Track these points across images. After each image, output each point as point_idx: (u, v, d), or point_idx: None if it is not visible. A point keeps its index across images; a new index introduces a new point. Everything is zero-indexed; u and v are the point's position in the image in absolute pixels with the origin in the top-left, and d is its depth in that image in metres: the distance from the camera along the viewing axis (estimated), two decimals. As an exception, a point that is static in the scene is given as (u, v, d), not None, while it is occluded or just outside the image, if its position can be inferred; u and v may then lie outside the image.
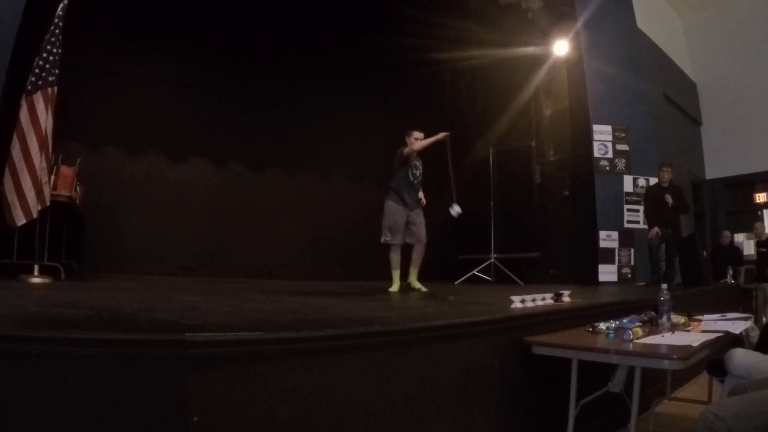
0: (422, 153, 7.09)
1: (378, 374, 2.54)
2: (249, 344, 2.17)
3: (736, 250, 12.35)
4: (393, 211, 6.86)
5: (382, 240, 6.86)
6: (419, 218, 7.03)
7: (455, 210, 7.04)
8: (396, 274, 6.91)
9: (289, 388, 2.23)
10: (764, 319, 9.66)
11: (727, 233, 11.74)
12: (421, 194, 7.23)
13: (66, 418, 1.93)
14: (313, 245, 11.25)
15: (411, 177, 6.96)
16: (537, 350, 3.34)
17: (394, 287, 6.79)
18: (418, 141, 6.90)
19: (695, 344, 3.14)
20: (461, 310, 4.12)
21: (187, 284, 7.10)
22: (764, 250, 10.87)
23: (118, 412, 1.97)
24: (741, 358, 3.42)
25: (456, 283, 9.87)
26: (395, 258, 6.87)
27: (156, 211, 9.83)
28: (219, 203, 10.48)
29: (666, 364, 2.99)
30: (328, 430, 2.34)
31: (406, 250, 7.02)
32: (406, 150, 6.89)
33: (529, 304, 4.23)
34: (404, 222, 6.87)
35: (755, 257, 11.29)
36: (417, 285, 6.97)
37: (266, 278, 9.66)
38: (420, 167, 7.11)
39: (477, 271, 10.29)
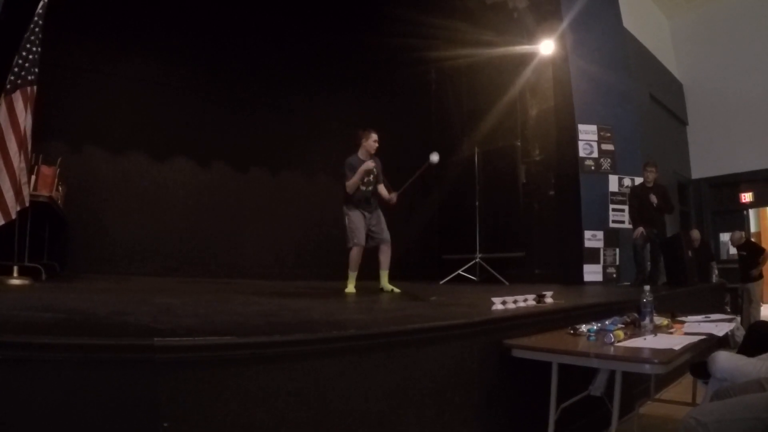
0: (378, 152, 7.05)
1: (352, 378, 2.51)
2: (219, 349, 2.14)
3: (708, 249, 12.35)
4: (352, 216, 6.84)
5: (349, 245, 6.82)
6: (379, 219, 7.01)
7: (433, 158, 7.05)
8: (353, 276, 6.84)
9: (261, 393, 2.21)
10: (750, 319, 9.71)
11: (696, 234, 11.70)
12: (389, 195, 7.04)
13: (33, 425, 1.89)
14: (298, 246, 11.21)
15: (363, 188, 6.87)
16: (517, 353, 3.32)
17: (350, 288, 6.72)
18: (355, 173, 6.76)
19: (677, 348, 3.11)
20: (441, 312, 4.09)
21: (169, 285, 7.04)
22: (744, 253, 10.96)
23: (87, 418, 1.94)
24: (724, 361, 3.40)
25: (441, 282, 9.85)
26: (356, 259, 6.81)
27: (139, 211, 9.75)
28: (203, 203, 10.42)
29: (647, 368, 2.96)
30: (301, 435, 2.30)
31: (374, 256, 7.03)
32: (348, 184, 6.77)
33: (511, 306, 4.20)
34: (364, 226, 6.86)
35: (737, 258, 11.35)
36: (389, 287, 6.91)
37: (250, 278, 9.62)
38: (373, 172, 6.96)
39: (462, 271, 10.26)
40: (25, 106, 5.79)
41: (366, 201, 6.93)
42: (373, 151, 6.97)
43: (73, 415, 1.93)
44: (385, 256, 6.96)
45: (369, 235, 6.89)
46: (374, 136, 6.96)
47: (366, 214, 6.89)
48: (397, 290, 6.79)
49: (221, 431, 2.10)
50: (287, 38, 11.20)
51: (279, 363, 2.27)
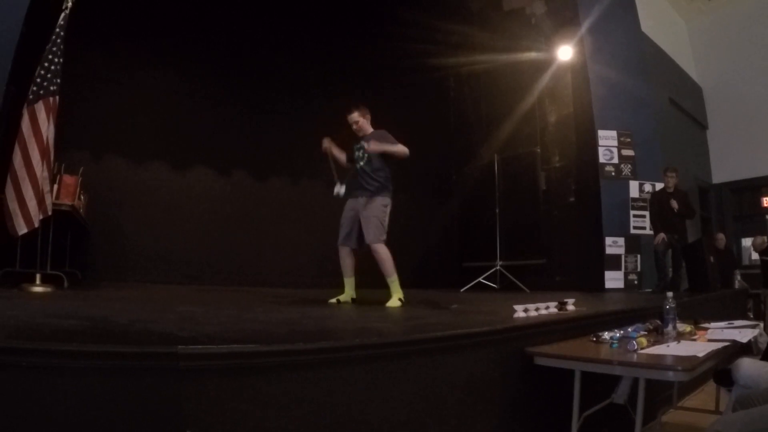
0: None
1: (375, 386, 2.50)
2: (242, 357, 2.13)
3: (731, 255, 12.22)
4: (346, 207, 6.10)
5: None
6: (366, 211, 5.92)
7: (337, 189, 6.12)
8: (345, 282, 6.10)
9: (284, 402, 2.19)
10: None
11: (721, 236, 11.58)
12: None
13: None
14: (318, 254, 11.19)
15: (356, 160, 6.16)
16: (539, 361, 3.28)
17: (344, 296, 5.97)
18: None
19: (701, 355, 3.07)
20: (463, 321, 4.06)
21: (190, 293, 7.07)
22: (766, 258, 10.81)
23: (111, 425, 1.94)
24: (748, 368, 3.35)
25: (461, 290, 9.82)
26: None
27: (160, 219, 9.84)
28: (223, 211, 10.48)
29: (671, 375, 2.92)
30: (324, 443, 2.30)
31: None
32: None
33: (533, 314, 4.16)
34: (350, 217, 6.09)
35: (759, 264, 11.22)
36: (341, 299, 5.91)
37: (271, 287, 9.62)
38: (363, 147, 6.13)
39: (483, 279, 10.24)
40: (47, 116, 5.87)
41: (355, 180, 6.19)
42: (359, 134, 6.41)
43: (96, 423, 1.93)
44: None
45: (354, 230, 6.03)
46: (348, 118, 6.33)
47: (354, 199, 6.14)
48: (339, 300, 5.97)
49: (244, 439, 2.09)
50: (305, 46, 11.24)
51: (302, 371, 2.26)
